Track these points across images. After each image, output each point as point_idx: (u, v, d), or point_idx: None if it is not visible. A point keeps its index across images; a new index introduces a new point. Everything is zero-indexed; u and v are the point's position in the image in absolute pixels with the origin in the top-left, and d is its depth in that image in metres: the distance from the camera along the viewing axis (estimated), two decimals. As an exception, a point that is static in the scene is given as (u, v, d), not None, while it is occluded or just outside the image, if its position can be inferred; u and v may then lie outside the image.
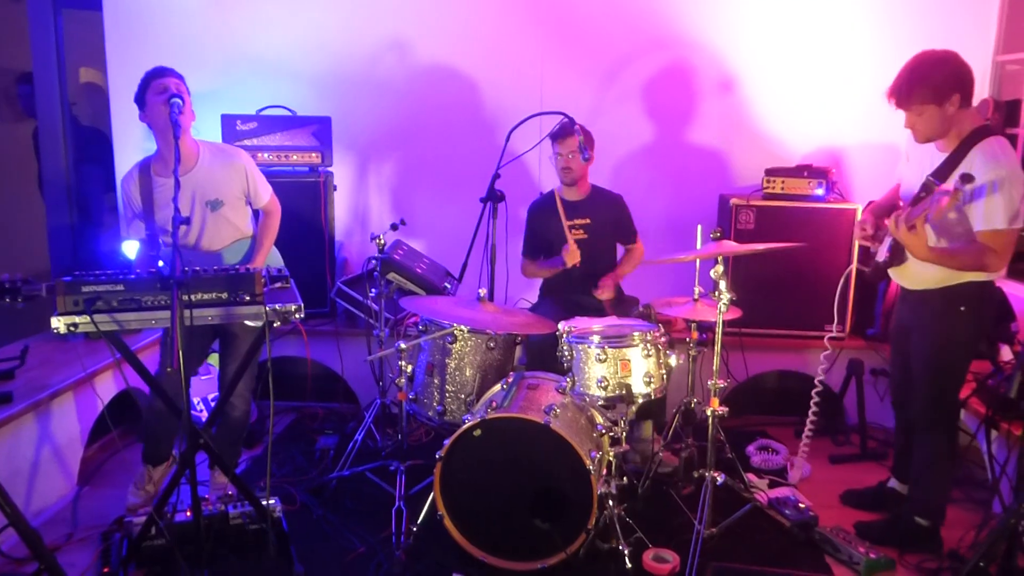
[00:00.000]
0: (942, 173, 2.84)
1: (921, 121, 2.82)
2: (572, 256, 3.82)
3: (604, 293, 3.83)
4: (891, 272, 3.09)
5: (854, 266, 3.89)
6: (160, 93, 3.06)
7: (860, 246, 3.42)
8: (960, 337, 2.95)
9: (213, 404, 4.07)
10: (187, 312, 2.48)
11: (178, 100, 2.96)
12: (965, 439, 3.40)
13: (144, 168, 3.23)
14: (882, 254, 3.08)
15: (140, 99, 3.13)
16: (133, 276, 2.54)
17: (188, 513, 2.85)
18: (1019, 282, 3.96)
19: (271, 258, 3.47)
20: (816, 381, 3.62)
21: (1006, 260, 2.78)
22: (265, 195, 3.42)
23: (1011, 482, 2.75)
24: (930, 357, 3.02)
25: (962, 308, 2.89)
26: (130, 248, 3.43)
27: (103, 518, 3.28)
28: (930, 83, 2.74)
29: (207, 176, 3.22)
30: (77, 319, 2.46)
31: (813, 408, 3.67)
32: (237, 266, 2.68)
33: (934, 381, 3.02)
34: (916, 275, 3.00)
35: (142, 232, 3.26)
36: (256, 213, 3.48)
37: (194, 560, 2.63)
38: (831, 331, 3.59)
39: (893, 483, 3.43)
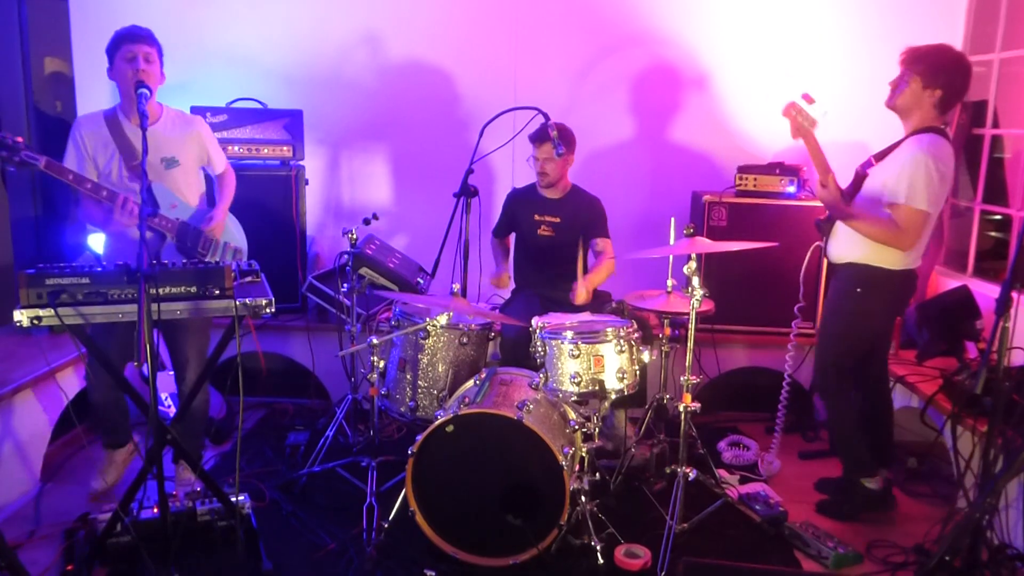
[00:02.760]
0: (881, 155, 3.16)
1: (899, 89, 3.11)
2: (500, 284, 3.94)
3: (579, 298, 3.76)
4: (828, 244, 3.35)
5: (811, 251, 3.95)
6: (129, 61, 3.07)
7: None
8: (849, 315, 3.25)
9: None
10: (155, 306, 2.43)
11: (146, 91, 2.92)
12: (931, 435, 3.46)
13: (111, 118, 3.20)
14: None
15: (110, 56, 3.14)
16: (99, 269, 2.50)
17: (155, 510, 2.81)
18: (985, 280, 4.02)
19: (233, 234, 3.46)
20: (785, 374, 3.67)
21: (910, 239, 3.04)
22: (221, 163, 3.51)
23: (976, 477, 2.79)
24: (822, 328, 3.42)
25: (858, 289, 3.19)
26: (97, 242, 3.37)
27: (67, 515, 3.21)
28: (934, 62, 3.05)
29: (164, 136, 3.22)
30: (41, 312, 2.41)
31: (782, 402, 3.74)
32: (207, 260, 2.65)
33: (825, 348, 3.35)
34: (837, 247, 3.29)
35: (94, 176, 3.16)
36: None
37: (161, 558, 2.59)
38: (803, 328, 3.65)
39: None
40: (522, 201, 3.97)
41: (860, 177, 3.25)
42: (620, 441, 3.63)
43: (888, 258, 3.13)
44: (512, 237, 4.17)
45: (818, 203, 4.15)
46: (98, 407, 3.35)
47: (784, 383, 3.76)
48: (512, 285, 4.01)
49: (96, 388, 3.30)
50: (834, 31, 4.45)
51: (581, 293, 3.65)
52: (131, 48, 3.07)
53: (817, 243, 3.48)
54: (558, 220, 3.93)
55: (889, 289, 3.20)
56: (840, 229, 3.26)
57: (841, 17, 4.45)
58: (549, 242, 3.88)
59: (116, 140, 3.16)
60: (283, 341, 4.38)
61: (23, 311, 2.40)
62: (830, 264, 3.40)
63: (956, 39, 4.40)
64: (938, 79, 3.04)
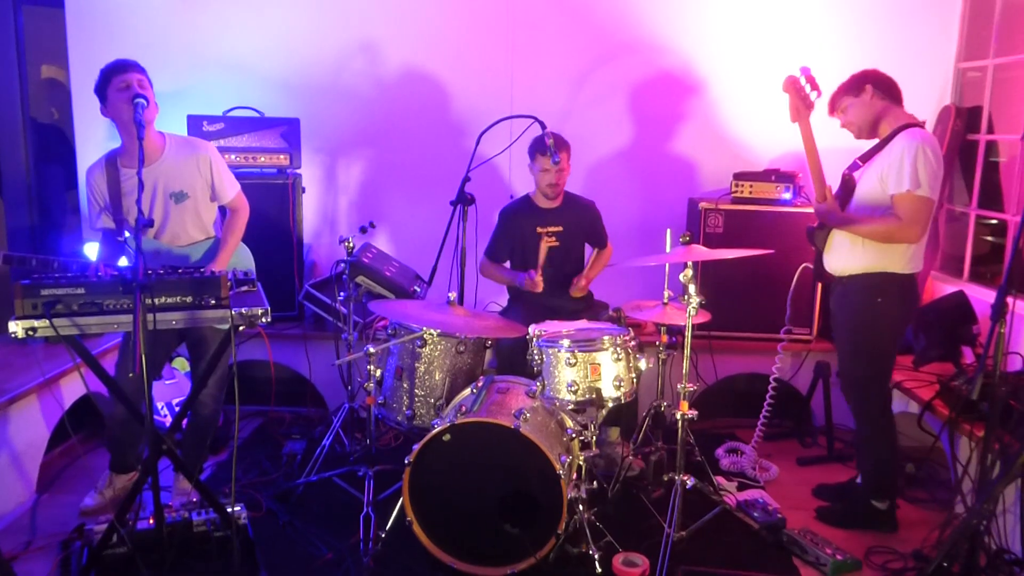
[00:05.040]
0: (867, 156, 3.15)
1: (848, 115, 3.19)
2: (534, 287, 3.77)
3: (579, 291, 3.83)
4: (824, 258, 3.30)
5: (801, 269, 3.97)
6: (123, 90, 3.03)
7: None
8: (878, 327, 3.18)
9: (178, 409, 4.00)
10: (150, 316, 2.43)
11: (142, 100, 2.92)
12: (928, 440, 3.46)
13: (111, 160, 3.20)
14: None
15: (101, 93, 3.10)
16: (94, 279, 2.49)
17: (150, 520, 2.79)
18: (981, 285, 4.03)
19: (241, 259, 3.42)
20: (771, 378, 3.70)
21: (918, 229, 3.01)
22: (231, 191, 3.36)
23: (973, 483, 2.79)
24: (851, 347, 3.27)
25: (879, 300, 3.13)
26: (92, 250, 3.36)
27: (63, 526, 3.20)
28: (844, 85, 3.21)
29: (171, 168, 3.19)
30: (36, 323, 2.40)
31: (766, 405, 3.84)
32: (202, 269, 2.64)
33: (857, 369, 3.26)
34: (837, 259, 3.23)
35: (110, 223, 3.21)
36: (224, 214, 3.43)
37: (157, 568, 2.58)
38: (800, 334, 3.66)
39: (860, 479, 3.47)
40: (520, 215, 3.97)
41: (848, 180, 3.25)
42: (613, 459, 3.61)
43: (894, 262, 3.08)
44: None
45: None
46: (118, 417, 3.24)
47: (770, 387, 3.82)
48: (541, 285, 3.83)
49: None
50: (830, 38, 4.45)
51: (583, 287, 3.85)
52: (123, 78, 3.04)
53: (805, 264, 3.49)
54: (560, 229, 3.94)
55: (905, 293, 3.16)
56: (837, 240, 3.22)
57: (837, 24, 4.46)
58: (556, 251, 3.90)
59: (110, 187, 3.16)
60: (280, 349, 4.37)
61: (18, 322, 2.38)
62: (828, 277, 3.32)
63: (950, 45, 4.42)
64: (856, 83, 3.15)
